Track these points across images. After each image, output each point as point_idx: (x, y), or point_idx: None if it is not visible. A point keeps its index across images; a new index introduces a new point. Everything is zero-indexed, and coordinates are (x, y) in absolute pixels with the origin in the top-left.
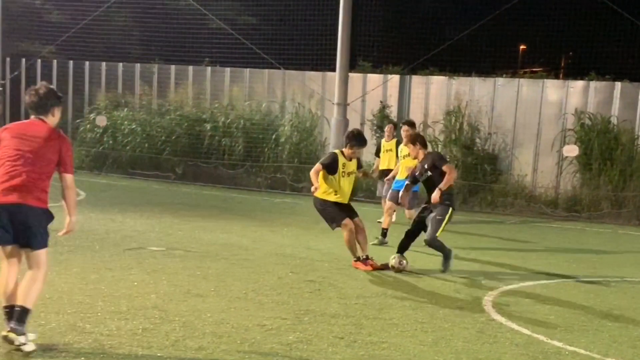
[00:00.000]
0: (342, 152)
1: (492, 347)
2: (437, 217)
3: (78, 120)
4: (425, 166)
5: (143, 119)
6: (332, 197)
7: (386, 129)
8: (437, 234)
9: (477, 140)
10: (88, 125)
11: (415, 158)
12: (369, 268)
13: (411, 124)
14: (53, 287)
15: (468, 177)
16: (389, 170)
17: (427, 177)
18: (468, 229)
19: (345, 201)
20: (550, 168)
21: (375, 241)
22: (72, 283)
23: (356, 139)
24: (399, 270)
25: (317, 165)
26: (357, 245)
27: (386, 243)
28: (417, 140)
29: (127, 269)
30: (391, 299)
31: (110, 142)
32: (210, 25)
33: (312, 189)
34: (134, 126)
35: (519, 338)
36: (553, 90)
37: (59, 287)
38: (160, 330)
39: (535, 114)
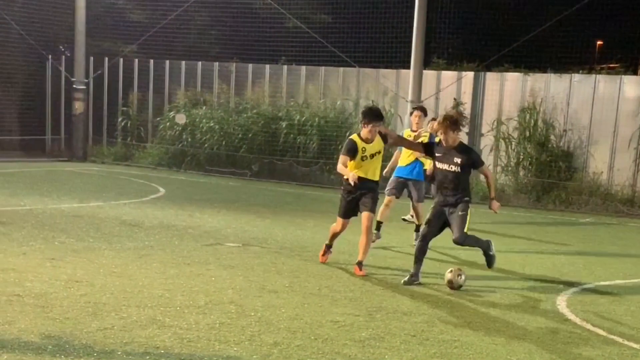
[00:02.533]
0: (358, 135)
1: (567, 348)
2: (460, 213)
3: (158, 118)
4: (458, 160)
5: (221, 117)
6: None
7: (412, 116)
8: (466, 230)
9: (552, 137)
10: (168, 123)
11: (448, 146)
12: (323, 259)
13: (424, 110)
14: (134, 281)
15: (542, 175)
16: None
17: (452, 173)
18: (542, 227)
19: (374, 177)
20: (627, 166)
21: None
22: (152, 277)
23: (368, 114)
24: (456, 287)
25: (341, 157)
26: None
27: (379, 238)
28: (457, 125)
29: (205, 264)
30: (463, 297)
31: (189, 139)
32: (287, 24)
33: (351, 179)
34: (212, 124)
35: (594, 339)
36: (631, 86)
37: (139, 281)
38: (237, 324)
39: (612, 110)
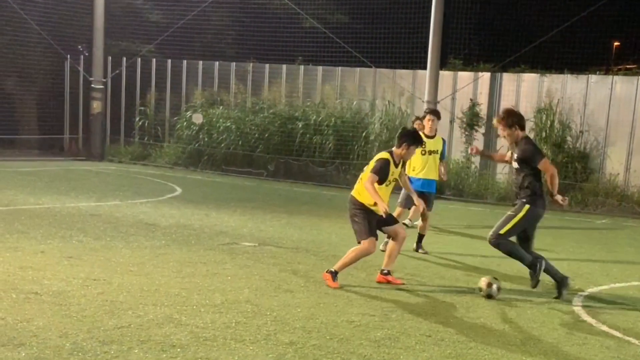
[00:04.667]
0: (391, 155)
1: (582, 349)
2: (509, 213)
3: (175, 118)
4: (515, 156)
5: (237, 116)
6: (370, 204)
7: (415, 123)
8: (502, 232)
9: (568, 138)
10: (185, 123)
11: (512, 144)
12: (335, 285)
13: (437, 114)
14: (150, 279)
15: (558, 176)
16: None
17: (514, 170)
18: (557, 229)
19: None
20: None
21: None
22: (169, 276)
23: (414, 137)
24: (488, 296)
25: (371, 176)
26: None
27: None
28: (513, 121)
29: (221, 263)
30: (478, 298)
31: (206, 139)
32: (304, 24)
33: (382, 209)
34: (228, 124)
35: (609, 341)
36: None
37: (156, 279)
38: (253, 324)
39: (629, 111)
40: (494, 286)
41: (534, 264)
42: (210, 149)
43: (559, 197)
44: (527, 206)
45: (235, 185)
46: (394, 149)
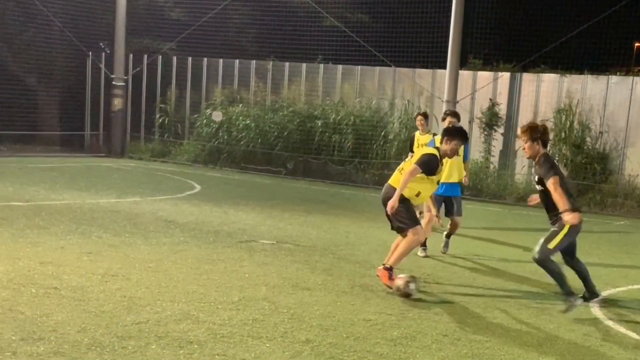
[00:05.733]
0: (438, 152)
1: (599, 351)
2: (554, 229)
3: (195, 115)
4: (536, 177)
5: (257, 114)
6: (412, 197)
7: (418, 120)
8: (550, 245)
9: (588, 139)
10: (204, 120)
11: (530, 158)
12: (392, 283)
13: (457, 116)
14: (169, 276)
15: (577, 177)
16: None
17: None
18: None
19: (419, 202)
20: None
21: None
22: (187, 273)
23: (460, 134)
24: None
25: (414, 167)
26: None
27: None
28: (536, 135)
29: (239, 260)
30: (495, 298)
31: (225, 137)
32: (324, 23)
33: (391, 203)
34: (248, 122)
35: (627, 342)
36: None
37: (174, 276)
38: (270, 321)
39: None
40: (412, 285)
41: (570, 294)
42: (229, 147)
43: (566, 216)
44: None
45: (254, 183)
46: (441, 144)
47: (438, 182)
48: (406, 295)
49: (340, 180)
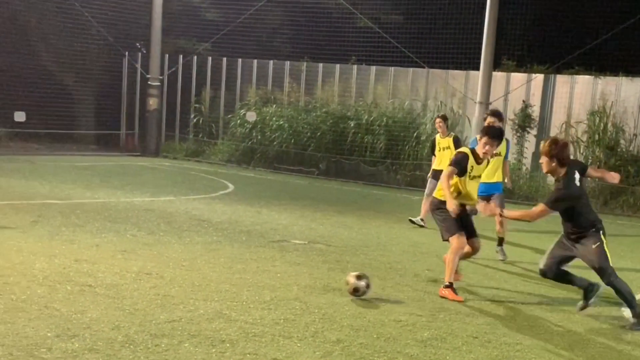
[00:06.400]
0: (473, 151)
1: (632, 354)
2: (593, 247)
3: (229, 116)
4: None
5: (290, 115)
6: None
7: (437, 123)
8: (606, 266)
9: (622, 141)
10: (238, 121)
11: (548, 173)
12: (459, 299)
13: (499, 116)
14: (202, 274)
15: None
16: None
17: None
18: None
19: (471, 202)
20: None
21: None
22: (220, 272)
23: (487, 132)
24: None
25: (448, 168)
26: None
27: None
28: (553, 152)
29: (271, 260)
30: (526, 301)
31: (259, 137)
32: (358, 24)
33: (450, 206)
34: (281, 122)
35: None
36: None
37: (207, 275)
38: (301, 321)
39: None
40: (363, 282)
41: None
42: (262, 147)
43: (502, 214)
44: (601, 232)
45: (287, 183)
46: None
47: (475, 178)
48: (355, 291)
49: (372, 181)
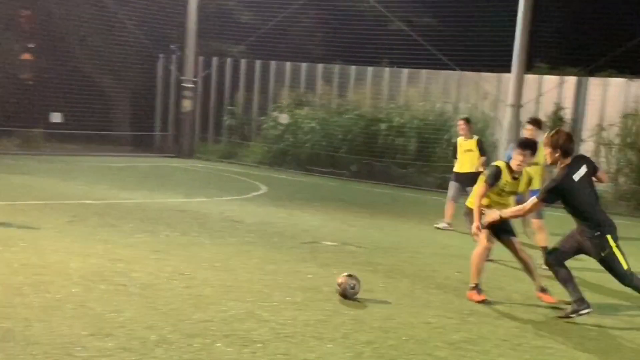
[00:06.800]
0: (507, 166)
1: None
2: (603, 257)
3: (262, 118)
4: None
5: (322, 117)
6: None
7: (460, 125)
8: (622, 274)
9: None
10: (271, 123)
11: (552, 164)
12: (481, 297)
13: (538, 124)
14: (234, 275)
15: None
16: (468, 174)
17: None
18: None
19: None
20: None
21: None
22: (252, 272)
23: (525, 144)
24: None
25: (481, 185)
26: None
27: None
28: (557, 143)
29: (303, 261)
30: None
31: (291, 139)
32: (391, 27)
33: (473, 228)
34: (313, 124)
35: None
36: None
37: (239, 275)
38: (332, 322)
39: None
40: (350, 283)
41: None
42: (294, 149)
43: (490, 216)
44: (608, 236)
45: (318, 185)
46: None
47: (511, 194)
48: (343, 294)
49: (403, 183)
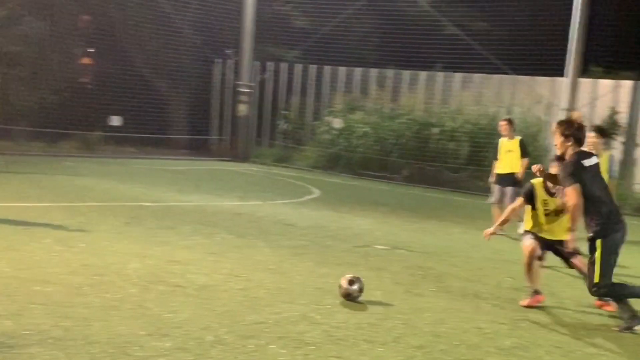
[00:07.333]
0: (543, 182)
1: None
2: (590, 262)
3: (316, 122)
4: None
5: (375, 122)
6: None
7: (503, 125)
8: (596, 280)
9: None
10: (325, 127)
11: (563, 153)
12: (540, 299)
13: (601, 132)
14: (288, 278)
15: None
16: (507, 175)
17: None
18: None
19: (555, 238)
20: None
21: None
22: (305, 275)
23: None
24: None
25: (518, 200)
26: None
27: None
28: (568, 131)
29: (355, 265)
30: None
31: (344, 143)
32: (444, 32)
33: (485, 233)
34: (366, 129)
35: None
36: None
37: (293, 278)
38: (383, 325)
39: None
40: (355, 285)
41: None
42: (347, 153)
43: (569, 240)
44: (599, 240)
45: (370, 189)
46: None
47: (559, 214)
48: (347, 294)
49: (454, 187)
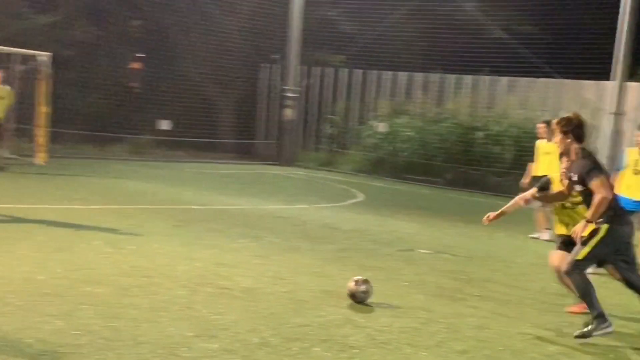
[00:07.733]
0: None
1: None
2: (583, 241)
3: (361, 126)
4: (573, 177)
5: (420, 126)
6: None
7: (541, 128)
8: (579, 257)
9: None
10: (370, 131)
11: (563, 153)
12: (575, 309)
13: None
14: (332, 281)
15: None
16: (543, 178)
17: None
18: None
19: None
20: None
21: None
22: (349, 278)
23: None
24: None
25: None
26: None
27: None
28: (568, 128)
29: (398, 269)
30: None
31: (389, 148)
32: (490, 35)
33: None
34: (411, 133)
35: None
36: None
37: (337, 282)
38: (426, 330)
39: None
40: (362, 287)
41: (601, 316)
42: (391, 157)
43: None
44: (605, 225)
45: (414, 193)
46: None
47: (576, 205)
48: (353, 296)
49: (499, 192)
